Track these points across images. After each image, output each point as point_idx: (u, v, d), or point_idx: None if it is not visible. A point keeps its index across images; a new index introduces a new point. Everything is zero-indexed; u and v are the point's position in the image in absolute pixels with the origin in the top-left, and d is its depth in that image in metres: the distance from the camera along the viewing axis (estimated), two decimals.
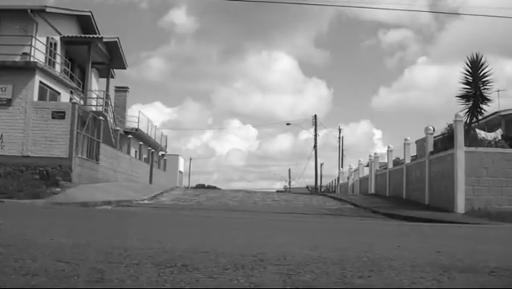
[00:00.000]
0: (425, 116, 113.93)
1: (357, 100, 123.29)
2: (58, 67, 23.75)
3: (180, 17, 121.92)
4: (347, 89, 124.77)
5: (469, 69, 16.49)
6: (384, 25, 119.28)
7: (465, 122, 15.65)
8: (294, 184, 70.90)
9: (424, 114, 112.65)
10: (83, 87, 26.34)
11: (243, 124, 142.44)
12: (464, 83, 16.59)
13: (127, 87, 36.12)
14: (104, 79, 30.25)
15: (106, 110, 26.95)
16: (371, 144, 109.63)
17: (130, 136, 30.04)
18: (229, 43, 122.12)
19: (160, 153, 36.49)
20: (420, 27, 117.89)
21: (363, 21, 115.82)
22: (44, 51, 22.40)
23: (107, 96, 28.81)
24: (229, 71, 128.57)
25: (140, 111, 34.72)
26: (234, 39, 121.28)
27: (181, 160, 52.48)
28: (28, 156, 18.24)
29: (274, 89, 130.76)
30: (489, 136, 16.49)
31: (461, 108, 16.38)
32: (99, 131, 21.21)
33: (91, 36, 25.91)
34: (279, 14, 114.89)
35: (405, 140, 20.71)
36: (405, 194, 19.87)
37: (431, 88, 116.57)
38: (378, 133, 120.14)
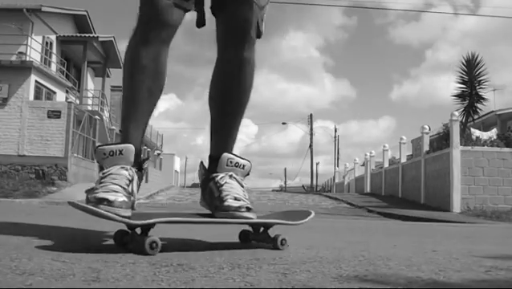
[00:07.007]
0: None
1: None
2: (53, 67, 23.71)
3: None
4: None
5: (465, 68, 16.56)
6: None
7: (461, 121, 15.71)
8: (290, 183, 71.11)
9: None
10: (78, 86, 26.31)
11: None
12: (459, 83, 16.67)
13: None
14: (100, 79, 30.22)
15: (102, 109, 26.93)
16: None
17: None
18: None
19: (156, 152, 36.47)
20: None
21: None
22: (40, 51, 22.37)
23: (103, 96, 28.77)
24: None
25: None
26: None
27: (177, 160, 52.51)
28: (24, 156, 18.22)
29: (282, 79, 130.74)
30: (485, 135, 16.56)
31: (456, 108, 16.48)
32: (95, 130, 21.21)
33: (86, 35, 25.88)
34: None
35: (401, 138, 20.75)
36: (401, 193, 19.92)
37: None
38: None
